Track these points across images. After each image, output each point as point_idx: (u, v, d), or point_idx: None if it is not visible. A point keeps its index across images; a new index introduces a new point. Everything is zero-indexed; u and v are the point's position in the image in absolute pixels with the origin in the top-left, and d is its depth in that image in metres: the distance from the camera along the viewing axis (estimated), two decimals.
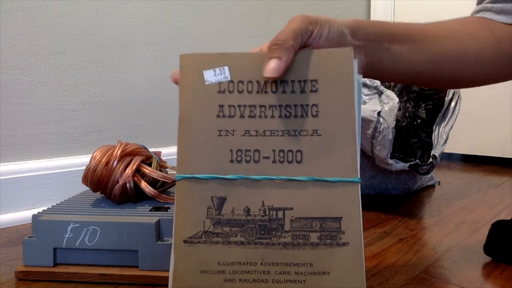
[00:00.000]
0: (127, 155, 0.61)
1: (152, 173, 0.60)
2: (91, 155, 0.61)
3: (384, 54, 0.46)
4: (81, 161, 0.90)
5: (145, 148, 0.65)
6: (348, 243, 0.35)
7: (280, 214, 0.36)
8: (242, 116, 0.37)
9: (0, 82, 0.80)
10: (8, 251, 0.66)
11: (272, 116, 0.37)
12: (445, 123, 0.97)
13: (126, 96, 0.99)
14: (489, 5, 0.53)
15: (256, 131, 0.37)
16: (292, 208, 0.36)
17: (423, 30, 0.49)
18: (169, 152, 1.05)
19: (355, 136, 0.36)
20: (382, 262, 0.60)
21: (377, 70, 0.47)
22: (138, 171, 0.60)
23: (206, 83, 0.37)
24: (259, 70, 0.37)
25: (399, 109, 0.93)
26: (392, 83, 1.02)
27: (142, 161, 0.61)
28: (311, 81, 0.37)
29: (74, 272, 0.53)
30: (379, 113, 0.82)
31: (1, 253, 0.65)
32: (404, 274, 0.55)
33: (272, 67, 0.36)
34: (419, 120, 0.98)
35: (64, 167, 0.88)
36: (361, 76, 0.42)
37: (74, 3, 0.89)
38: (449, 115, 0.97)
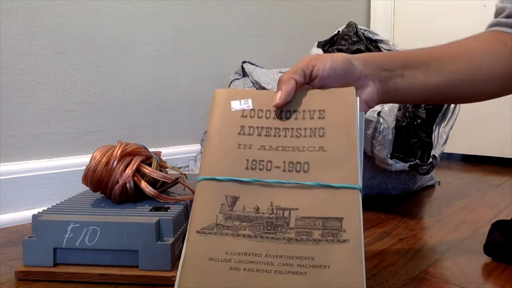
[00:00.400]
0: (127, 155, 0.61)
1: (152, 173, 0.60)
2: (91, 155, 0.61)
3: (398, 79, 0.49)
4: (81, 161, 0.90)
5: (145, 148, 0.65)
6: (349, 240, 0.38)
7: (286, 213, 0.40)
8: (259, 135, 0.44)
9: (0, 82, 0.80)
10: (8, 251, 0.66)
11: (285, 136, 0.43)
12: (445, 123, 0.97)
13: (126, 96, 0.99)
14: (503, 20, 0.55)
15: (270, 146, 0.43)
16: (297, 209, 0.40)
17: (435, 53, 0.52)
18: (169, 152, 1.05)
19: (357, 152, 0.41)
20: (382, 262, 0.60)
21: (394, 95, 0.50)
22: (138, 171, 0.60)
23: (232, 110, 0.45)
24: None
25: (399, 109, 0.93)
26: None
27: (142, 161, 0.61)
28: (319, 111, 0.44)
29: (74, 272, 0.53)
30: (379, 113, 0.82)
31: (1, 253, 0.65)
32: (404, 274, 0.55)
33: (275, 98, 0.44)
34: (419, 120, 0.98)
35: (64, 167, 0.88)
36: (363, 113, 0.49)
37: (74, 3, 0.89)
38: (449, 115, 0.97)
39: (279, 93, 0.44)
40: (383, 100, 0.51)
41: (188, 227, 0.40)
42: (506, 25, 0.54)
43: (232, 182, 0.41)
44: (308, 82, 0.47)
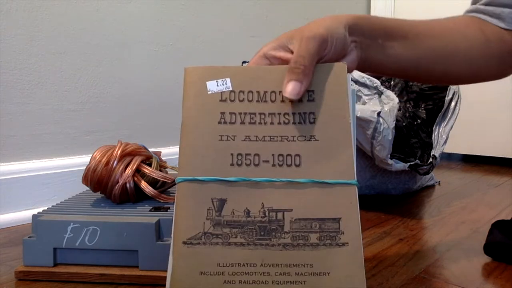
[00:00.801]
0: (127, 155, 0.61)
1: (152, 173, 0.60)
2: (91, 155, 0.61)
3: (378, 49, 0.47)
4: (81, 161, 0.90)
5: (145, 148, 0.65)
6: (348, 243, 0.35)
7: (279, 215, 0.36)
8: (242, 123, 0.38)
9: (0, 82, 0.80)
10: (8, 251, 0.66)
11: (272, 123, 0.38)
12: (445, 123, 0.97)
13: (126, 96, 0.99)
14: (482, 7, 0.54)
15: (256, 136, 0.38)
16: (291, 210, 0.36)
17: (415, 27, 0.50)
18: (169, 152, 1.05)
19: (351, 141, 0.38)
20: (382, 262, 0.60)
21: (370, 64, 0.48)
22: (138, 171, 0.60)
23: (209, 92, 0.39)
24: (258, 81, 0.40)
25: (399, 109, 0.93)
26: (392, 83, 1.02)
27: (142, 161, 0.61)
28: (308, 92, 0.39)
29: (74, 272, 0.53)
30: (379, 114, 0.82)
31: (1, 253, 0.65)
32: (404, 274, 0.55)
33: (292, 89, 0.38)
34: (419, 120, 0.98)
35: (64, 167, 0.88)
36: (355, 88, 0.44)
37: (74, 3, 0.89)
38: (449, 115, 0.97)
39: (298, 86, 0.38)
40: (360, 68, 0.48)
41: (172, 237, 0.36)
42: (484, 12, 0.54)
43: (217, 182, 0.37)
44: None
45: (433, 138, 0.95)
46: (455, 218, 0.81)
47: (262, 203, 0.37)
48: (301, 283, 0.35)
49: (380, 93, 0.91)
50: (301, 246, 0.36)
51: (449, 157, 1.58)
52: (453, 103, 0.97)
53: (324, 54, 0.41)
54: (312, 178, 0.37)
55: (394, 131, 0.83)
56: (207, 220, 0.36)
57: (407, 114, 0.98)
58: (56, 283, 0.53)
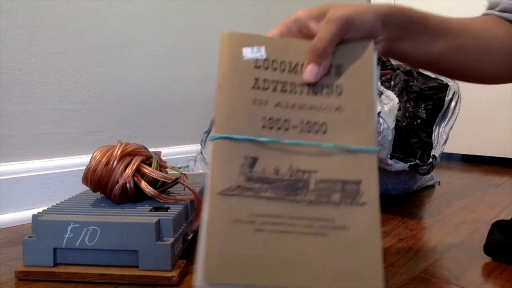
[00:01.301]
0: (127, 155, 0.61)
1: (152, 173, 0.60)
2: (91, 155, 0.61)
3: (411, 42, 0.47)
4: (81, 161, 0.90)
5: (145, 148, 0.65)
6: (367, 203, 0.38)
7: (306, 175, 0.39)
8: (274, 90, 0.41)
9: (0, 82, 0.80)
10: (8, 251, 0.66)
11: (301, 93, 0.41)
12: (445, 123, 0.97)
13: (126, 96, 0.99)
14: (498, 13, 0.55)
15: (287, 103, 0.41)
16: (317, 171, 0.39)
17: (450, 22, 0.50)
18: (169, 152, 1.05)
19: (374, 113, 0.41)
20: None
21: (397, 53, 0.48)
22: (138, 171, 0.60)
23: (244, 58, 0.42)
24: (291, 53, 0.42)
25: (399, 109, 0.93)
26: (392, 83, 1.02)
27: (142, 161, 0.61)
28: (336, 66, 0.42)
29: (74, 272, 0.53)
30: (379, 114, 0.82)
31: (1, 253, 0.65)
32: (404, 274, 0.55)
33: (309, 72, 0.41)
34: (419, 120, 0.98)
35: (64, 167, 0.88)
36: (379, 67, 0.46)
37: (74, 3, 0.89)
38: (449, 115, 0.97)
39: (316, 68, 0.41)
40: (384, 54, 0.49)
41: (207, 189, 0.39)
42: (503, 16, 0.54)
43: (250, 142, 0.40)
44: None
45: (433, 138, 0.95)
46: (455, 218, 0.81)
47: (290, 164, 0.40)
48: (323, 235, 0.38)
49: (380, 93, 0.91)
50: (324, 204, 0.39)
51: (449, 157, 1.58)
52: (453, 103, 0.97)
53: (346, 37, 0.42)
54: (337, 143, 0.40)
55: (394, 131, 0.83)
56: (240, 175, 0.39)
57: (407, 114, 0.97)
58: (56, 283, 0.53)
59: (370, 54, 0.42)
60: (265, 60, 0.42)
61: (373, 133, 0.40)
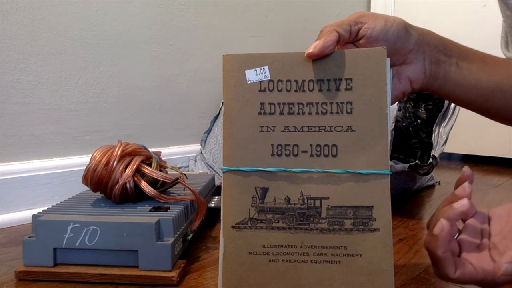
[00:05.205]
0: (127, 155, 0.61)
1: (152, 173, 0.60)
2: (91, 155, 0.61)
3: (452, 68, 0.44)
4: (81, 161, 0.90)
5: (145, 148, 0.65)
6: (379, 229, 0.39)
7: (317, 203, 0.40)
8: (281, 113, 0.40)
9: (0, 82, 0.80)
10: (8, 251, 0.66)
11: (310, 113, 0.40)
12: (445, 123, 0.97)
13: (126, 96, 0.99)
14: None
15: (295, 127, 0.40)
16: (328, 198, 0.40)
17: (489, 55, 0.47)
18: (169, 152, 1.05)
19: (387, 131, 0.39)
20: None
21: (442, 84, 0.45)
22: (138, 171, 0.60)
23: (248, 82, 0.41)
24: (296, 69, 0.41)
25: (399, 109, 0.93)
26: None
27: (142, 161, 0.61)
28: (346, 80, 0.40)
29: (74, 272, 0.53)
30: None
31: (1, 253, 0.65)
32: (404, 274, 0.55)
33: (311, 46, 0.39)
34: (419, 121, 0.98)
35: (64, 167, 0.88)
36: (391, 71, 0.43)
37: (74, 3, 0.89)
38: (449, 115, 0.97)
39: (316, 42, 0.39)
40: (428, 85, 0.45)
41: (222, 222, 0.40)
42: None
43: (259, 172, 0.40)
44: (353, 40, 0.42)
45: (433, 138, 0.95)
46: None
47: (301, 192, 0.40)
48: (336, 263, 0.39)
49: None
50: (337, 231, 0.39)
51: (449, 157, 1.58)
52: (453, 104, 0.97)
53: (363, 26, 0.41)
54: (348, 168, 0.39)
55: (393, 132, 0.83)
56: (252, 207, 0.40)
57: (407, 114, 0.98)
58: (56, 283, 0.53)
59: (383, 63, 0.39)
60: (269, 81, 0.40)
61: (385, 155, 0.39)
